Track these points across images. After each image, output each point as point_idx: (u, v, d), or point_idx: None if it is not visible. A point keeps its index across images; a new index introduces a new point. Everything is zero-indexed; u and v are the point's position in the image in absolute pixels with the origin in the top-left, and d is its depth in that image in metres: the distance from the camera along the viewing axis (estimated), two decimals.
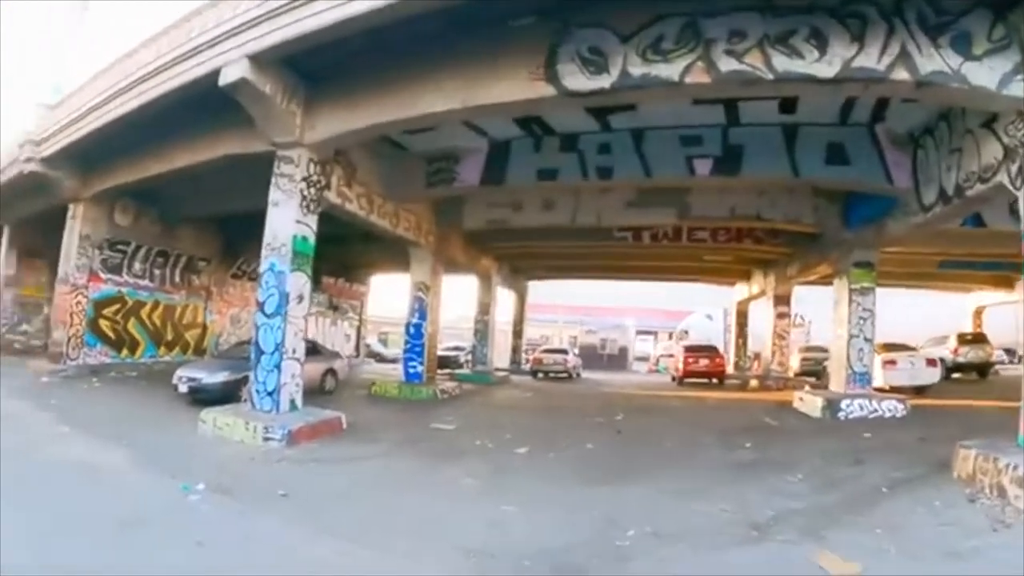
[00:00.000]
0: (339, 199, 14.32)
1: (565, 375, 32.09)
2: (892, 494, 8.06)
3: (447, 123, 13.27)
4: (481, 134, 14.87)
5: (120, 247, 22.38)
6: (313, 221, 12.76)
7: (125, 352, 22.90)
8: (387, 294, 43.26)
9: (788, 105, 12.54)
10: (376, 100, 11.44)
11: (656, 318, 54.62)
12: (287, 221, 12.16)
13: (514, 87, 10.08)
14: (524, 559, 5.89)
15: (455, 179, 15.88)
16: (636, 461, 10.60)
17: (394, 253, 26.88)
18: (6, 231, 28.15)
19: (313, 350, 17.13)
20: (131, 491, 7.62)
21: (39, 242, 27.34)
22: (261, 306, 12.16)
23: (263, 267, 12.24)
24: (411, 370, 20.21)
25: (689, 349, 30.24)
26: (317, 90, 12.16)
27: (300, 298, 12.28)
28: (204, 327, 27.25)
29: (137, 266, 23.33)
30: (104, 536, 5.90)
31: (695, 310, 47.17)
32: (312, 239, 12.71)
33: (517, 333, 37.77)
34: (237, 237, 26.29)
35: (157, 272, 24.38)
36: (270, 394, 11.80)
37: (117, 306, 22.58)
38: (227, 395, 13.98)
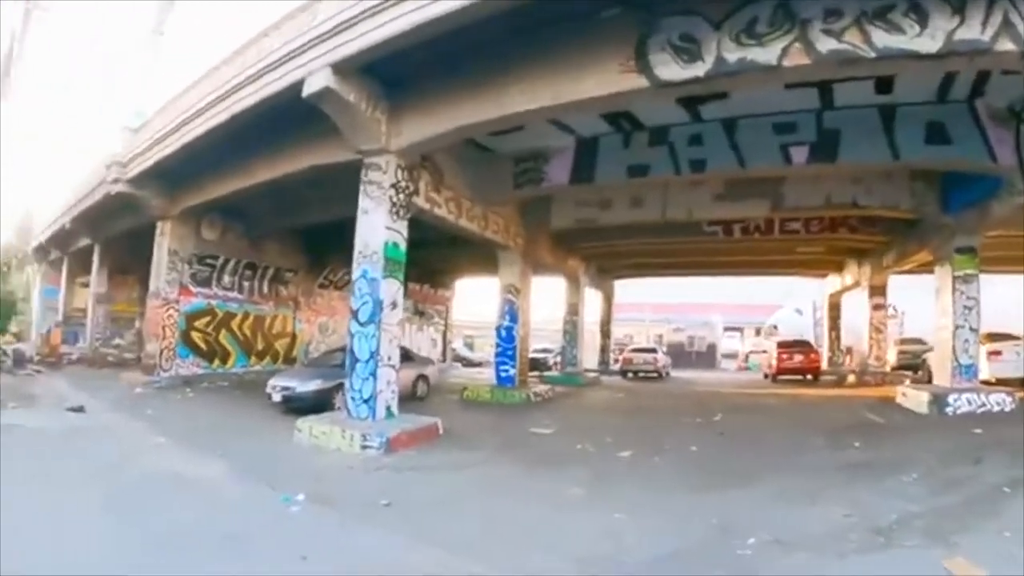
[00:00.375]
0: (428, 204, 14.19)
1: (655, 374, 31.64)
2: (1015, 494, 7.58)
3: (534, 123, 12.91)
4: (568, 132, 14.57)
5: (209, 261, 22.91)
6: (403, 227, 12.64)
7: (217, 362, 23.39)
8: (471, 298, 43.72)
9: (884, 85, 11.84)
10: (462, 102, 11.26)
11: (743, 314, 53.60)
12: (377, 228, 12.07)
13: (605, 81, 9.72)
14: (642, 570, 5.66)
15: (543, 179, 15.63)
16: (743, 464, 10.19)
17: (478, 257, 26.89)
18: (97, 250, 29.14)
19: (405, 356, 16.84)
20: (231, 503, 7.55)
21: (128, 260, 29.10)
22: (355, 314, 12.06)
23: (355, 275, 12.16)
24: (503, 374, 20.07)
25: (782, 345, 29.50)
26: (401, 96, 12.02)
27: (393, 305, 12.17)
28: (293, 336, 27.69)
29: (226, 279, 23.84)
30: (209, 551, 5.79)
31: (783, 304, 46.00)
32: (403, 245, 12.59)
33: (604, 333, 37.25)
34: (322, 248, 26.79)
35: (246, 284, 24.87)
36: (366, 401, 11.70)
37: (208, 318, 23.07)
38: (320, 403, 13.94)
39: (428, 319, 37.66)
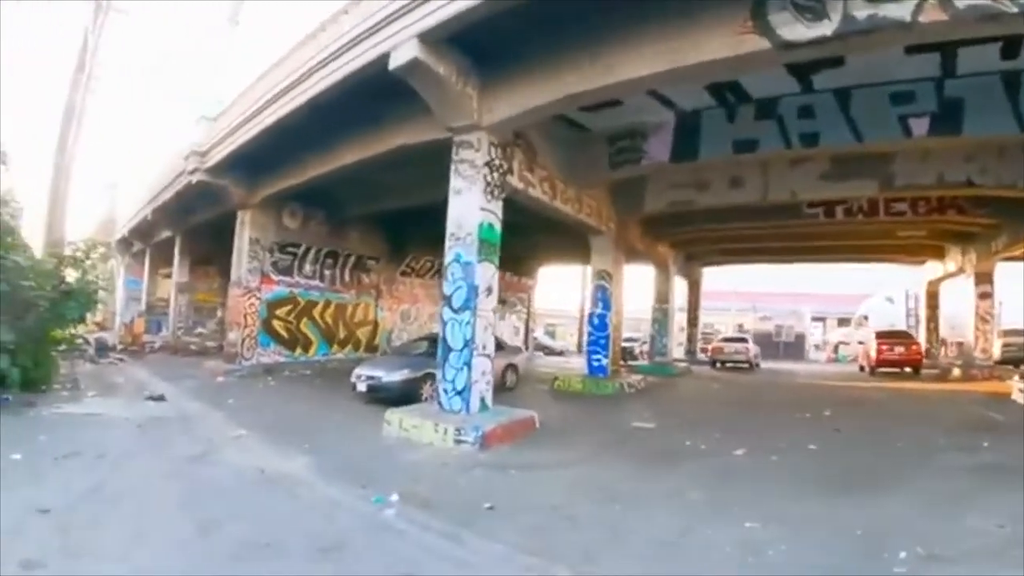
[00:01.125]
0: (522, 184, 13.43)
1: (746, 365, 30.48)
2: None
3: (634, 96, 12.24)
4: (669, 106, 13.58)
5: (290, 249, 22.63)
6: (498, 208, 11.91)
7: (299, 351, 23.14)
8: (552, 286, 43.03)
9: (1011, 48, 10.55)
10: (562, 72, 10.38)
11: (828, 303, 51.94)
12: (471, 208, 11.34)
13: (722, 44, 8.77)
14: None
15: (642, 157, 14.64)
16: (868, 465, 9.36)
17: (561, 245, 26.51)
18: (178, 241, 30.51)
19: (496, 344, 16.47)
20: (319, 505, 6.91)
21: (209, 250, 30.43)
22: (448, 300, 11.37)
23: (447, 259, 11.44)
24: (595, 363, 19.21)
25: (882, 336, 27.90)
26: (492, 69, 11.22)
27: (489, 290, 11.49)
28: (375, 324, 27.37)
29: (307, 267, 23.57)
30: (298, 563, 5.21)
31: (871, 294, 44.11)
32: (498, 227, 11.87)
33: (692, 322, 35.72)
34: (403, 236, 26.64)
35: (327, 272, 24.59)
36: (459, 393, 11.02)
37: (289, 306, 22.82)
38: (407, 394, 13.49)
39: (511, 307, 37.14)
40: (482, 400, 11.32)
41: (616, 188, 18.61)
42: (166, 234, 31.66)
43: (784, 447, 10.58)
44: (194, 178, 20.00)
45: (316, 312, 24.01)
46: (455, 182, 11.58)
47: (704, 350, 35.33)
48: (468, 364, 10.97)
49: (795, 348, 45.20)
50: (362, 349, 26.00)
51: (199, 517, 6.09)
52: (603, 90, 10.42)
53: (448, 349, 11.22)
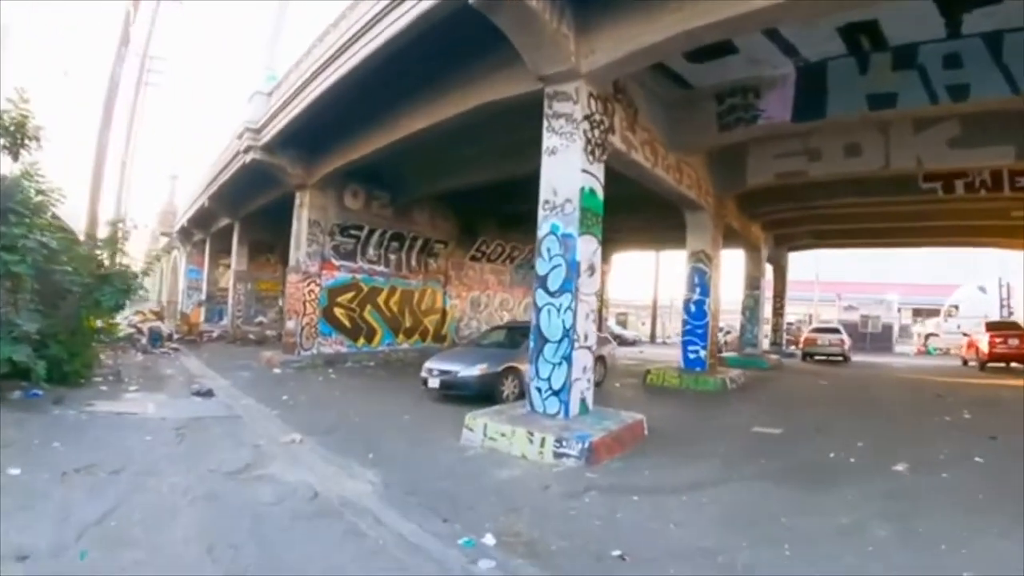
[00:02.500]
0: (624, 145, 11.39)
1: (839, 358, 28.13)
2: None
3: (751, 38, 10.57)
4: (790, 54, 11.44)
5: (352, 232, 20.90)
6: (600, 172, 10.03)
7: (362, 340, 21.44)
8: (619, 274, 40.85)
9: None
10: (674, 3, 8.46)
11: (915, 292, 49.03)
12: (570, 170, 9.43)
13: None
14: None
15: (758, 117, 12.41)
16: None
17: (637, 227, 25.48)
18: (236, 228, 30.41)
19: None
20: (391, 548, 5.12)
21: (270, 237, 30.64)
22: (542, 281, 9.48)
23: (541, 232, 9.55)
24: (691, 355, 17.18)
25: (993, 327, 25.42)
26: (591, 6, 9.32)
27: (591, 269, 9.57)
28: (443, 312, 25.51)
29: (371, 251, 21.81)
30: None
31: (961, 284, 41.07)
32: (600, 194, 9.97)
33: (777, 311, 32.84)
34: (473, 217, 24.95)
35: (392, 257, 22.78)
36: (556, 393, 9.17)
37: (352, 293, 21.14)
38: (485, 391, 12.16)
39: None
40: (582, 402, 9.47)
41: (714, 158, 16.64)
42: (225, 222, 31.34)
43: (945, 460, 8.69)
44: (248, 157, 18.63)
45: (380, 299, 22.37)
46: (549, 140, 9.69)
47: (791, 341, 33.44)
48: (567, 359, 9.10)
49: (881, 339, 42.08)
50: (429, 339, 24.40)
51: (226, 564, 4.51)
52: (727, 24, 8.40)
53: (543, 340, 9.34)
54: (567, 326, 9.07)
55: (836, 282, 48.01)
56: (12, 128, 11.54)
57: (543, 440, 8.15)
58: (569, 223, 9.22)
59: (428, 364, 13.22)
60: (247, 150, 18.47)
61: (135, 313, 28.92)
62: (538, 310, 9.42)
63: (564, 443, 8.02)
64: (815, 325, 32.70)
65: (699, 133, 13.45)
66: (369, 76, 12.23)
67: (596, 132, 9.88)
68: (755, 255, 25.60)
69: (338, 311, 20.65)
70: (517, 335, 14.23)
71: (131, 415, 10.04)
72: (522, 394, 11.83)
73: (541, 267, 9.44)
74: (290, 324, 19.37)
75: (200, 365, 18.19)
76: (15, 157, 11.70)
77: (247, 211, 28.09)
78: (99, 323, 13.69)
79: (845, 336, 29.18)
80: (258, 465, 7.47)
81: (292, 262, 19.60)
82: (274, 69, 18.58)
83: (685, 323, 17.44)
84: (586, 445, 7.96)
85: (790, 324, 37.72)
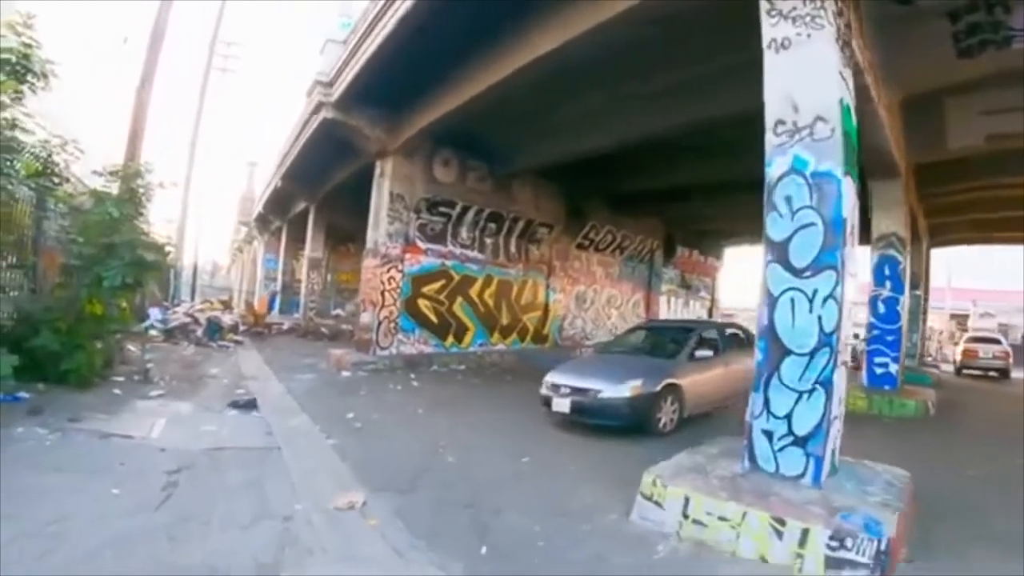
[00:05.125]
0: (861, 57, 7.54)
1: (998, 373, 23.72)
2: None
3: None
4: None
5: (442, 210, 17.34)
6: (851, 83, 6.19)
7: (450, 339, 17.83)
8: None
9: None
10: None
11: None
12: (819, 71, 5.71)
13: None
14: None
15: (1012, 38, 8.40)
16: None
17: (750, 213, 20.50)
18: (312, 212, 28.63)
19: (746, 340, 11.47)
20: None
21: (350, 224, 27.46)
22: (778, 252, 5.62)
23: (772, 171, 5.71)
24: (879, 370, 13.09)
25: None
26: None
27: (852, 232, 5.71)
28: (545, 308, 21.43)
29: (464, 233, 18.10)
30: None
31: None
32: (854, 117, 6.10)
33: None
34: (582, 198, 21.09)
35: (488, 241, 19.00)
36: (801, 442, 5.38)
37: (440, 282, 17.42)
38: (638, 419, 8.81)
39: (694, 293, 30.94)
40: (833, 454, 5.62)
41: (904, 109, 12.34)
42: (301, 206, 29.59)
43: None
44: (320, 117, 15.71)
45: (473, 291, 18.64)
46: (775, 28, 5.93)
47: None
48: (825, 383, 5.32)
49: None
50: (528, 340, 20.61)
51: None
52: None
53: (778, 351, 5.51)
54: (827, 326, 5.30)
55: (970, 289, 43.53)
56: (14, 60, 8.87)
57: (805, 534, 4.46)
58: (825, 155, 5.44)
59: (552, 378, 9.67)
60: (318, 108, 15.52)
61: (202, 302, 27.05)
62: (771, 299, 5.59)
63: (845, 540, 4.35)
64: (972, 334, 27.83)
65: (925, 61, 9.32)
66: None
67: (841, 24, 6.14)
68: (917, 246, 20.97)
69: (423, 303, 17.10)
70: (667, 339, 10.99)
71: (121, 439, 6.86)
72: (680, 422, 9.17)
73: (775, 229, 5.60)
74: (365, 318, 16.06)
75: (257, 363, 15.13)
76: (18, 97, 9.05)
77: (323, 191, 25.67)
78: (119, 306, 10.53)
79: (1007, 347, 24.76)
80: (281, 568, 4.04)
81: (369, 243, 16.33)
82: (351, 16, 15.19)
83: (871, 328, 13.31)
84: (882, 544, 4.31)
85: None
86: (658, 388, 8.89)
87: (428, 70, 12.57)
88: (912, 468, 6.14)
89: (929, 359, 27.70)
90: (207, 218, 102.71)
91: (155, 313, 19.37)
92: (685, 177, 17.14)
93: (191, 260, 37.21)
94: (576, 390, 9.07)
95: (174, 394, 9.78)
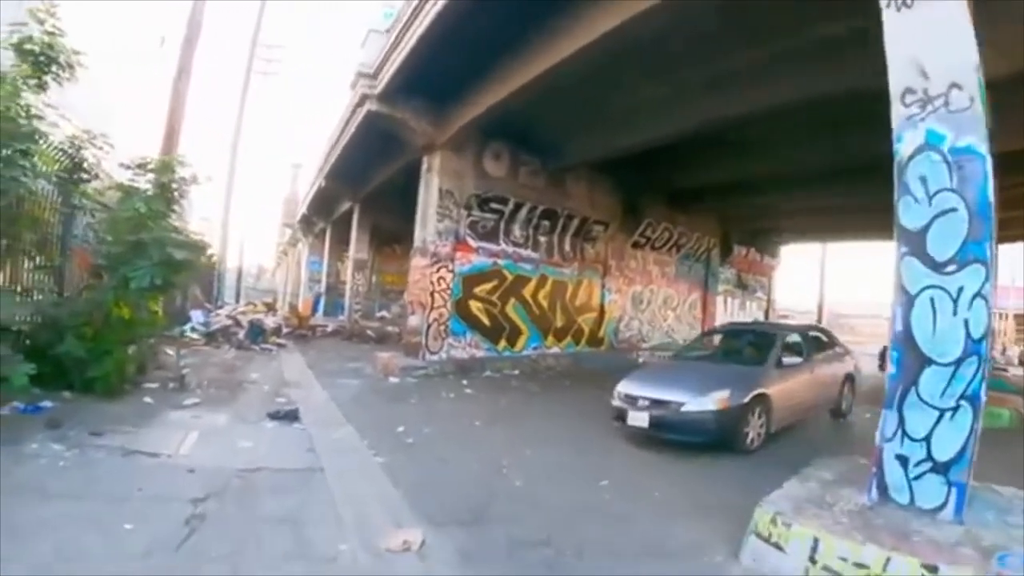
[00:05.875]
0: None
1: None
2: None
3: None
4: None
5: (494, 206, 16.48)
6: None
7: (503, 343, 16.92)
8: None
9: None
10: None
11: None
12: (951, 32, 4.69)
13: None
14: None
15: None
16: None
17: (819, 208, 21.53)
18: (356, 211, 28.08)
19: (828, 342, 11.06)
20: None
21: (395, 225, 26.91)
22: (914, 243, 4.63)
23: (903, 147, 4.74)
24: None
25: None
26: None
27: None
28: (601, 310, 20.37)
29: (516, 231, 17.19)
30: None
31: None
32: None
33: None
34: (638, 193, 20.06)
35: (542, 239, 18.03)
36: (942, 469, 4.45)
37: (493, 283, 16.56)
38: (726, 434, 7.89)
39: (750, 293, 29.60)
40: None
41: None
42: (345, 206, 28.97)
43: None
44: (364, 111, 14.89)
45: (527, 291, 17.65)
46: None
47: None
48: (973, 400, 4.41)
49: None
50: (583, 342, 19.52)
51: None
52: None
53: (917, 360, 4.56)
54: (975, 331, 4.39)
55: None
56: (38, 51, 8.49)
57: None
58: (964, 128, 4.52)
59: (626, 388, 8.73)
60: (362, 101, 14.71)
61: (246, 304, 26.68)
62: (908, 299, 4.65)
63: None
64: None
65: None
66: None
67: None
68: None
69: (474, 305, 16.28)
70: (748, 344, 10.12)
71: (146, 457, 6.20)
72: (767, 438, 8.29)
73: (911, 214, 4.67)
74: (413, 320, 15.27)
75: (300, 367, 14.52)
76: (40, 87, 8.55)
77: (368, 190, 24.97)
78: (149, 309, 9.88)
79: None
80: None
81: (418, 242, 15.54)
82: (394, 5, 14.40)
83: None
84: None
85: None
86: (747, 399, 7.99)
87: (476, 57, 11.83)
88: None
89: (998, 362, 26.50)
90: (252, 222, 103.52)
91: (197, 316, 19.02)
92: (744, 171, 16.19)
93: (236, 263, 36.99)
94: (655, 402, 8.16)
95: (210, 402, 9.20)
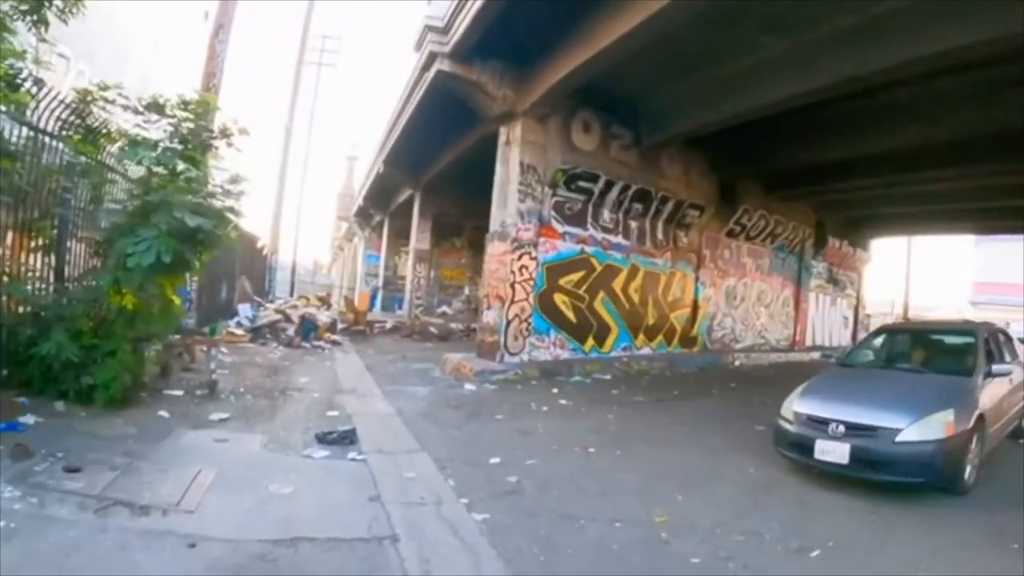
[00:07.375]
0: None
1: None
2: None
3: None
4: None
5: (582, 184, 14.16)
6: None
7: (590, 342, 14.66)
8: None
9: None
10: None
11: None
12: None
13: None
14: None
15: None
16: None
17: (915, 196, 19.09)
18: (417, 199, 27.13)
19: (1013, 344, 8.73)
20: None
21: (457, 214, 27.08)
22: None
23: None
24: None
25: None
26: None
27: None
28: (695, 305, 17.97)
29: (606, 214, 14.86)
30: None
31: None
32: None
33: None
34: (735, 175, 17.66)
35: (633, 224, 15.68)
36: None
37: (580, 273, 14.26)
38: (949, 470, 5.80)
39: (841, 289, 27.14)
40: None
41: None
42: (404, 194, 27.90)
43: None
44: (432, 73, 12.61)
45: (617, 284, 15.27)
46: None
47: None
48: None
49: None
50: (674, 342, 17.07)
51: None
52: None
53: None
54: None
55: None
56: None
57: None
58: None
59: (810, 407, 6.44)
60: (430, 62, 12.52)
61: (297, 297, 25.54)
62: None
63: None
64: None
65: None
66: None
67: None
68: None
69: (559, 299, 14.03)
70: (937, 348, 8.02)
71: (130, 514, 4.19)
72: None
73: None
74: (489, 316, 13.16)
75: (357, 370, 12.52)
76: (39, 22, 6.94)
77: (429, 176, 23.56)
78: (163, 296, 7.55)
79: None
80: None
81: (495, 225, 13.43)
82: None
83: None
84: None
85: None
86: (972, 423, 5.88)
87: (564, 4, 10.19)
88: None
89: None
90: (308, 215, 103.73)
91: (244, 310, 17.42)
92: (854, 148, 13.96)
93: (290, 257, 35.83)
94: (856, 428, 5.83)
95: (243, 417, 7.34)
